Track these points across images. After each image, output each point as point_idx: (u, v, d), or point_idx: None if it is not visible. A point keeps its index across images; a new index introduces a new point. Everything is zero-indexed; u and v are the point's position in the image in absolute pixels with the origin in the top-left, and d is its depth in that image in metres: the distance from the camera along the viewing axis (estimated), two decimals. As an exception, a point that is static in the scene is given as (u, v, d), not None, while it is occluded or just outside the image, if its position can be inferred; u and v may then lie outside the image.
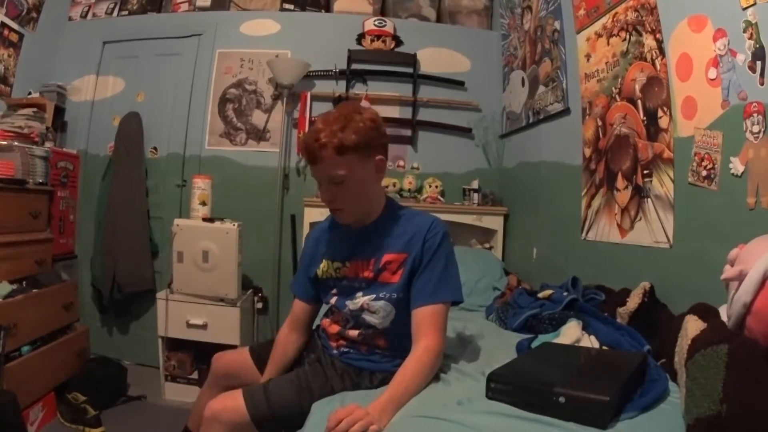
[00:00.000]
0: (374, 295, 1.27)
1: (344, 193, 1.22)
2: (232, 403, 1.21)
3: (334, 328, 1.37)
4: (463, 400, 1.05)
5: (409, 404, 1.08)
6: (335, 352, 1.36)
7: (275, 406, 1.21)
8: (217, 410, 1.21)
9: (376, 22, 3.30)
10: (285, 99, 3.16)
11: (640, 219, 1.81)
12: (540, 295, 1.95)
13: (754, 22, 1.29)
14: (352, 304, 1.29)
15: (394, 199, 1.38)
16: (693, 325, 1.06)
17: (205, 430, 1.23)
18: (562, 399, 0.95)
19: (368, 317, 1.28)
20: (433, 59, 3.32)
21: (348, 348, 1.34)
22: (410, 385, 1.10)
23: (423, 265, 1.23)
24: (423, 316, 1.20)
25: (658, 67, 1.71)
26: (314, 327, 1.52)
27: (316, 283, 1.40)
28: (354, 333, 1.32)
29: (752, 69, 1.30)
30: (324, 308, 1.48)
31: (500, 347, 1.57)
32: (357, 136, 1.17)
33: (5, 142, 2.53)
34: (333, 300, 1.35)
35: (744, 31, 1.32)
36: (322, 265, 1.37)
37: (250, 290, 2.97)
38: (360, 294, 1.29)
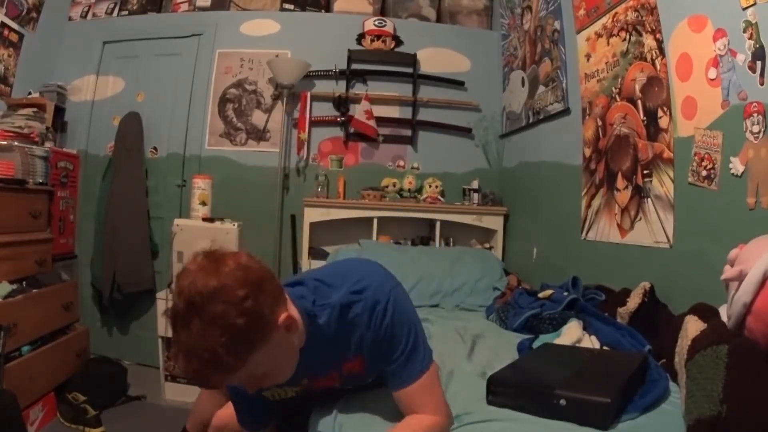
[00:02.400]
0: (345, 385, 1.11)
1: (270, 376, 0.93)
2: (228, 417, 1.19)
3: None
4: (463, 400, 1.05)
5: None
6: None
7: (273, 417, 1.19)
8: (225, 422, 1.19)
9: (376, 22, 3.30)
10: (285, 99, 3.16)
11: (640, 219, 1.81)
12: (540, 295, 1.95)
13: (754, 22, 1.29)
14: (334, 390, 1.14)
15: (299, 305, 0.97)
16: (693, 326, 1.06)
17: None
18: (563, 401, 0.95)
19: (357, 382, 1.13)
20: (433, 59, 3.32)
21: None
22: None
23: (383, 353, 1.01)
24: (408, 399, 0.99)
25: (658, 67, 1.71)
26: None
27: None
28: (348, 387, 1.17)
29: (752, 69, 1.30)
30: None
31: (501, 347, 1.57)
32: (234, 352, 0.79)
33: (5, 142, 2.52)
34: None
35: (744, 31, 1.32)
36: (270, 395, 1.11)
37: (250, 290, 2.96)
38: (335, 387, 1.11)
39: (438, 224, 3.06)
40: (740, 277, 0.94)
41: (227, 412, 1.21)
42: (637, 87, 1.83)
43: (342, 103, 3.23)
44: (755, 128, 1.29)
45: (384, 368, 1.02)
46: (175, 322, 0.82)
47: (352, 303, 0.99)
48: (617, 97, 1.96)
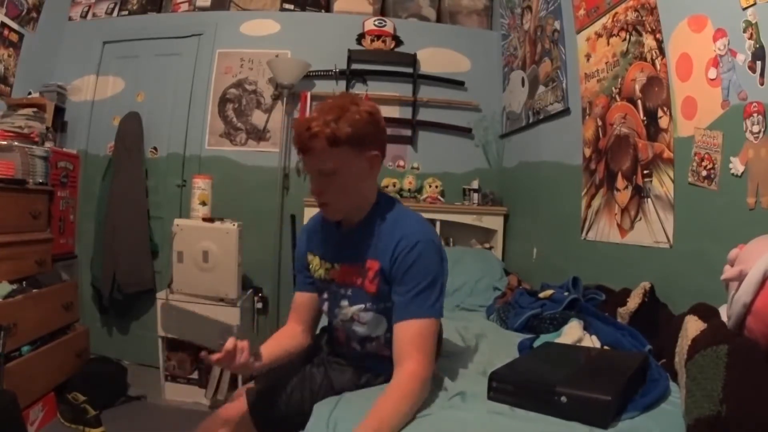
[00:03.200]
0: (362, 305, 1.20)
1: (333, 187, 1.15)
2: (238, 408, 1.21)
3: (342, 336, 1.32)
4: (464, 398, 1.05)
5: None
6: (344, 351, 1.32)
7: (278, 408, 1.21)
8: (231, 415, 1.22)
9: (376, 22, 3.30)
10: (285, 99, 3.16)
11: (640, 219, 1.81)
12: (541, 295, 1.95)
13: (754, 22, 1.29)
14: (341, 314, 1.24)
15: (394, 197, 1.28)
16: (693, 326, 1.06)
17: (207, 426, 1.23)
18: (563, 399, 0.95)
19: (358, 328, 1.22)
20: (433, 59, 3.32)
21: (354, 354, 1.30)
22: (391, 416, 0.96)
23: (397, 279, 1.12)
24: (403, 334, 1.08)
25: (658, 67, 1.71)
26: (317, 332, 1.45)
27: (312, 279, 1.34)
28: (356, 345, 1.28)
29: (752, 69, 1.30)
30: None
31: (501, 347, 1.57)
32: (351, 129, 1.09)
33: (5, 142, 2.52)
34: (324, 307, 1.30)
35: (744, 31, 1.32)
36: (314, 261, 1.31)
37: (250, 290, 2.97)
38: (346, 303, 1.22)
39: (438, 224, 3.06)
40: (740, 277, 0.94)
41: (239, 405, 1.22)
42: (637, 87, 1.83)
43: (342, 103, 3.23)
44: (755, 128, 1.29)
45: (393, 295, 1.14)
46: (322, 103, 1.15)
47: (404, 219, 1.19)
48: (617, 97, 1.96)
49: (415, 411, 1.01)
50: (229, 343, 1.05)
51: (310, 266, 1.32)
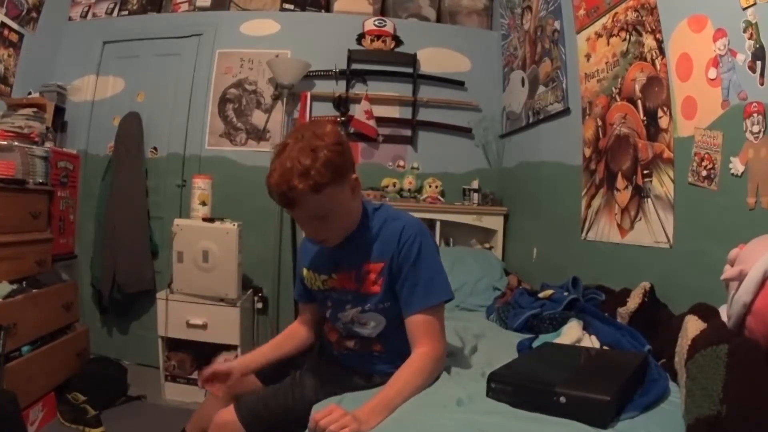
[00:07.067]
0: (360, 308, 1.25)
1: (327, 225, 1.17)
2: (227, 417, 1.22)
3: (333, 336, 1.36)
4: (463, 399, 1.05)
5: (408, 404, 1.07)
6: (335, 353, 1.36)
7: (271, 414, 1.22)
8: (226, 420, 1.22)
9: (376, 22, 3.30)
10: (285, 99, 3.16)
11: (640, 219, 1.81)
12: (540, 295, 1.95)
13: (754, 22, 1.29)
14: (343, 317, 1.28)
15: (368, 201, 1.31)
16: (693, 325, 1.06)
17: None
18: (563, 399, 0.95)
19: (359, 329, 1.27)
20: (433, 59, 3.32)
21: (347, 352, 1.34)
22: (403, 387, 1.08)
23: (403, 273, 1.19)
24: (415, 325, 1.18)
25: (658, 67, 1.71)
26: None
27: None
28: (350, 343, 1.32)
29: (752, 69, 1.30)
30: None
31: (501, 347, 1.57)
32: (329, 170, 1.08)
33: (5, 142, 2.52)
34: (327, 313, 1.34)
35: (744, 31, 1.32)
36: (310, 275, 1.34)
37: (250, 290, 2.97)
38: (349, 306, 1.27)
39: (438, 224, 3.06)
40: (740, 277, 0.94)
41: (229, 411, 1.23)
42: (637, 87, 1.83)
43: (342, 103, 3.23)
44: (755, 128, 1.29)
45: (400, 291, 1.20)
46: (282, 149, 1.12)
47: (394, 216, 1.25)
48: (617, 97, 1.96)
49: (426, 385, 1.13)
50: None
51: (306, 280, 1.36)
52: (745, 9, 1.31)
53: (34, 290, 2.32)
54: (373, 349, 1.29)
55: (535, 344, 1.51)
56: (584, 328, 1.56)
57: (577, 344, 1.46)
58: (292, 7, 3.38)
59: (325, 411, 0.99)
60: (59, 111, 3.14)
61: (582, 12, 2.21)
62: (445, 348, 1.22)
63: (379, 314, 1.24)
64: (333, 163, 1.09)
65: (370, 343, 1.29)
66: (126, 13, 3.43)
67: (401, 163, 3.31)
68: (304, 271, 1.36)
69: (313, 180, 1.07)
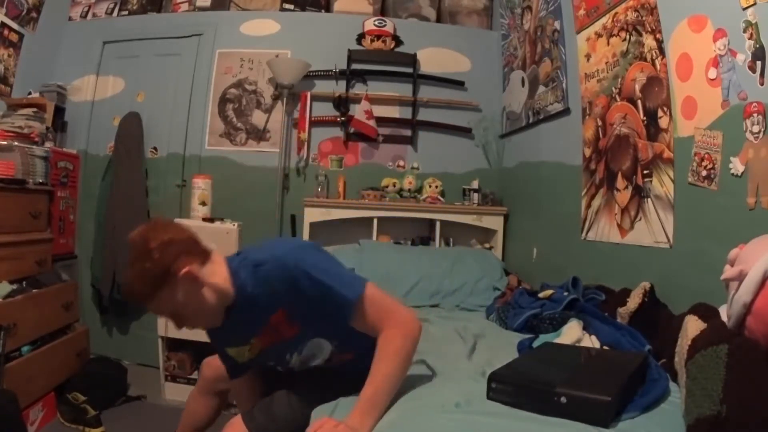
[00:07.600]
0: (297, 351, 1.22)
1: (188, 319, 1.15)
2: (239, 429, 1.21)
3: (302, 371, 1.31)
4: (460, 402, 1.05)
5: (407, 405, 1.07)
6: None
7: (279, 424, 1.21)
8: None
9: (376, 22, 3.30)
10: (285, 99, 3.16)
11: (640, 219, 1.81)
12: (540, 295, 1.95)
13: (754, 22, 1.29)
14: (293, 363, 1.25)
15: (229, 259, 1.20)
16: (693, 326, 1.06)
17: None
18: (563, 399, 0.95)
19: (317, 361, 1.24)
20: (433, 59, 3.32)
21: (320, 371, 1.29)
22: (383, 380, 1.04)
23: (313, 300, 1.11)
24: (363, 322, 1.11)
25: (658, 67, 1.71)
26: None
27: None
28: (318, 365, 1.28)
29: (752, 69, 1.30)
30: None
31: (501, 347, 1.57)
32: (144, 284, 1.07)
33: (5, 142, 2.52)
34: (278, 368, 1.31)
35: (744, 31, 1.32)
36: (233, 352, 1.29)
37: (250, 290, 2.96)
38: (288, 355, 1.24)
39: (438, 224, 3.06)
40: (740, 277, 0.94)
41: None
42: (637, 87, 1.83)
43: (342, 103, 3.23)
44: (755, 128, 1.29)
45: (326, 314, 1.12)
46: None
47: (262, 262, 1.14)
48: (617, 97, 1.96)
49: (408, 361, 1.10)
50: None
51: (236, 358, 1.31)
52: (745, 9, 1.31)
53: (34, 290, 2.32)
54: (344, 360, 1.25)
55: (535, 344, 1.51)
56: (584, 328, 1.56)
57: (577, 344, 1.46)
58: (292, 7, 3.38)
59: (317, 424, 0.99)
60: (59, 111, 3.13)
61: (582, 12, 2.21)
62: (405, 312, 1.14)
63: (320, 338, 1.20)
64: (147, 275, 1.07)
65: (337, 357, 1.25)
66: (126, 13, 3.43)
67: (401, 163, 3.31)
68: (228, 351, 1.30)
69: (139, 294, 1.09)
